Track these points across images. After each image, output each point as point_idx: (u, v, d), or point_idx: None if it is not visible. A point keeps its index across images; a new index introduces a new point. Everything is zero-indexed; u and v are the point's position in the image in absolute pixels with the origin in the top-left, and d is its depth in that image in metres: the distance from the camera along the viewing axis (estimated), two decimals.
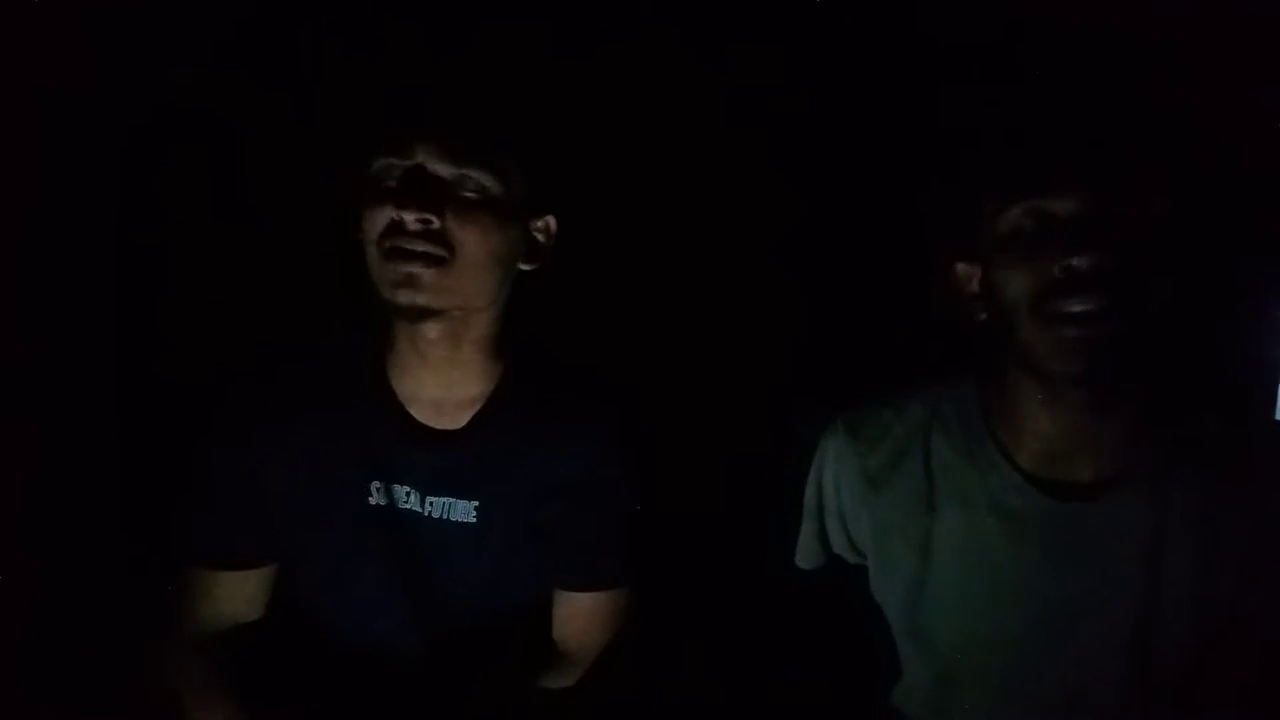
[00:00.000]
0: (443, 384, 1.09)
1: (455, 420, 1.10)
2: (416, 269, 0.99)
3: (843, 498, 1.10)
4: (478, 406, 1.10)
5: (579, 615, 1.12)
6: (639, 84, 1.36)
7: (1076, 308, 0.89)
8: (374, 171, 1.02)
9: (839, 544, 1.13)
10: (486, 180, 1.01)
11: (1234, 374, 1.15)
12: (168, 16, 1.26)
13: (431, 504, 1.09)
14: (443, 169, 1.00)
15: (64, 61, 1.25)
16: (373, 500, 1.09)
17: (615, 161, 1.36)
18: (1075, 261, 0.88)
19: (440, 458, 1.09)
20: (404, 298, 1.00)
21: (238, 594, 1.11)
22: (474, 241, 1.01)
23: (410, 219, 0.98)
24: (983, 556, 1.01)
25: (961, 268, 1.02)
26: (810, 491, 1.14)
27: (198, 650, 1.08)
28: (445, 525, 1.09)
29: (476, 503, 1.09)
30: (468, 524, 1.09)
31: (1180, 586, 0.96)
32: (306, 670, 1.11)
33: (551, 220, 1.11)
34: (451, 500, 1.09)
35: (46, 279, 1.28)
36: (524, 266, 1.10)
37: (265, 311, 1.34)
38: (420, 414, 1.10)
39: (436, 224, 0.99)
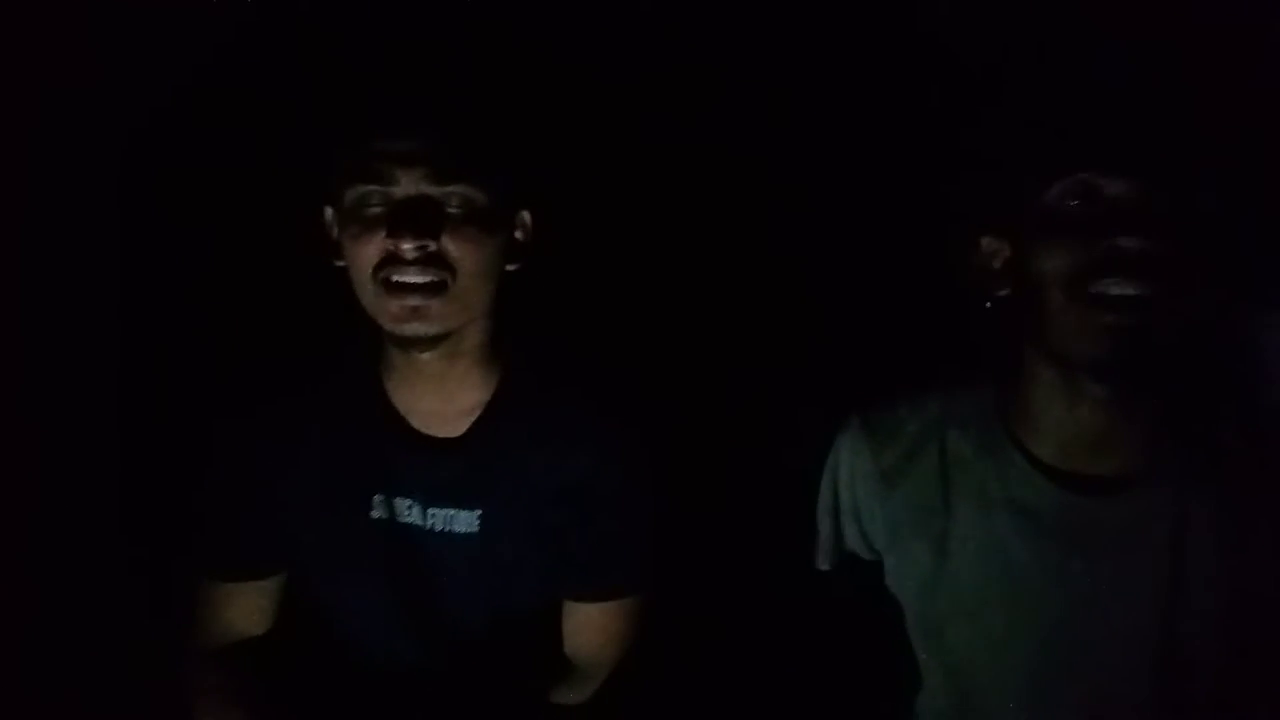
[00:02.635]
0: (440, 396, 1.08)
1: (454, 429, 1.09)
2: (420, 300, 0.98)
3: (857, 495, 1.08)
4: (476, 414, 1.09)
5: (590, 627, 1.09)
6: (630, 73, 1.34)
7: (1116, 290, 0.85)
8: (349, 202, 0.99)
9: (854, 542, 1.10)
10: (472, 192, 0.99)
11: (1256, 371, 1.14)
12: (166, 19, 1.27)
13: (433, 516, 1.08)
14: (428, 189, 0.98)
15: (62, 63, 1.25)
16: (375, 514, 1.08)
17: (612, 156, 1.34)
18: (1123, 242, 0.85)
19: (440, 467, 1.08)
20: (410, 330, 0.99)
21: (246, 605, 1.11)
22: (471, 258, 0.99)
23: (408, 248, 0.96)
24: (1000, 554, 0.99)
25: (987, 241, 0.98)
26: (825, 489, 1.11)
27: (208, 660, 1.09)
28: (448, 537, 1.08)
29: (479, 512, 1.07)
30: (470, 534, 1.07)
31: (1205, 585, 0.93)
32: (318, 680, 1.10)
33: (526, 215, 1.09)
34: (453, 511, 1.08)
35: (47, 283, 1.28)
36: (509, 268, 1.08)
37: (269, 313, 1.33)
38: (419, 424, 1.09)
39: (434, 248, 0.97)
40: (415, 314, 0.98)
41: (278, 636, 1.13)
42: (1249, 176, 1.00)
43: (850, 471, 1.08)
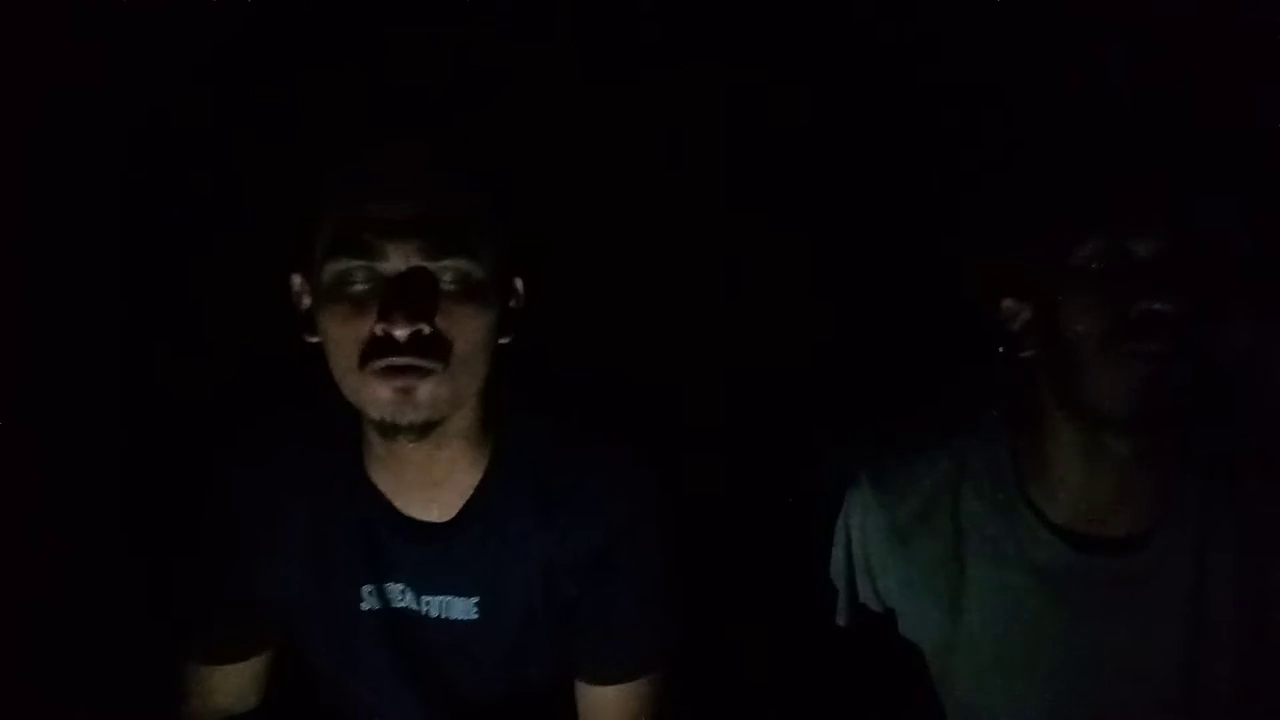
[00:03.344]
0: (425, 481, 0.99)
1: (445, 511, 1.00)
2: (410, 383, 0.88)
3: (869, 552, 1.06)
4: (467, 496, 1.00)
5: (607, 712, 1.02)
6: (631, 85, 1.32)
7: (1155, 348, 0.85)
8: (329, 277, 0.89)
9: (868, 598, 1.09)
10: (467, 266, 0.90)
11: (1264, 417, 1.12)
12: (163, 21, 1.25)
13: (428, 603, 1.01)
14: (420, 264, 0.88)
15: (60, 63, 1.24)
16: (365, 606, 1.02)
17: (614, 189, 1.31)
18: (1156, 305, 0.85)
19: (432, 554, 1.00)
20: (400, 418, 0.89)
21: (231, 685, 1.05)
22: (467, 341, 0.90)
23: (401, 334, 0.86)
24: (1014, 614, 0.98)
25: (1009, 304, 0.98)
26: (838, 547, 1.10)
27: None
28: (445, 624, 1.01)
29: (476, 599, 1.01)
30: (469, 621, 1.01)
31: (1227, 634, 0.92)
32: None
33: (519, 282, 1.00)
34: (449, 599, 1.01)
35: (46, 286, 1.26)
36: (501, 341, 0.98)
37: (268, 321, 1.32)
38: (406, 507, 1.01)
39: (428, 331, 0.88)
40: (403, 398, 0.88)
41: (284, 706, 1.09)
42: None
43: (862, 528, 1.07)
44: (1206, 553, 0.93)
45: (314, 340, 0.93)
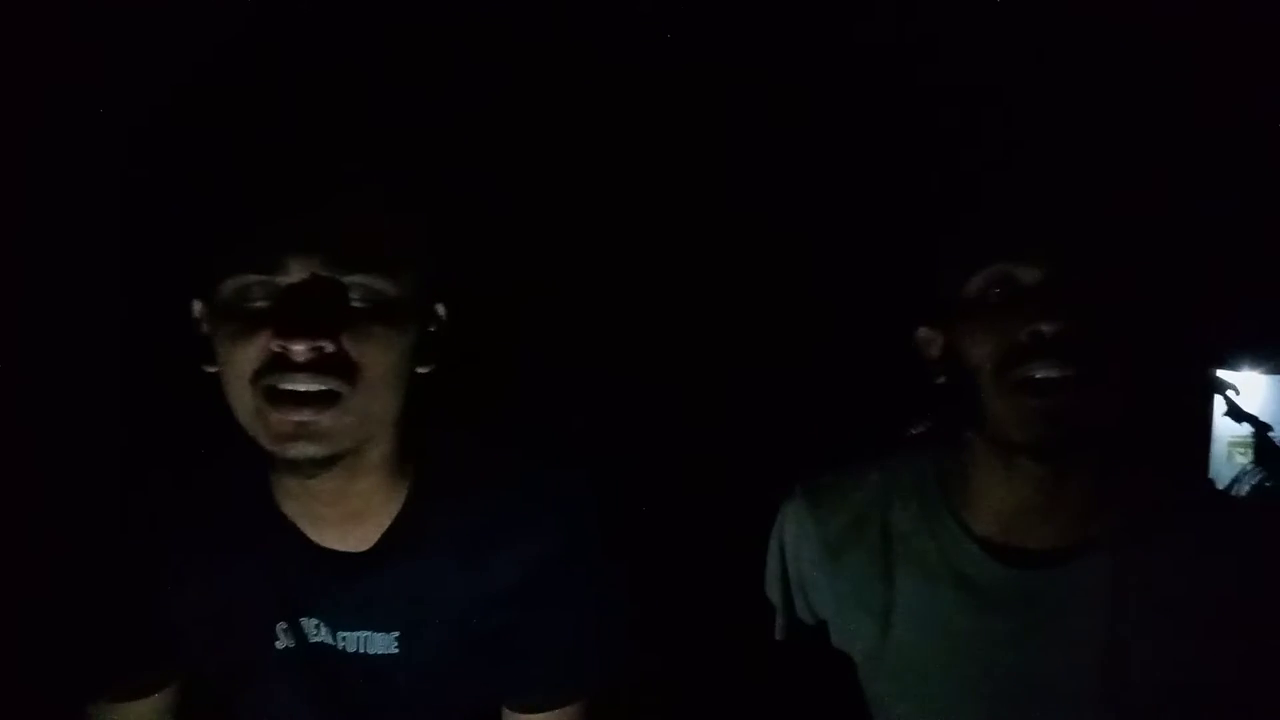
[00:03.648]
0: (339, 513, 0.93)
1: (362, 541, 0.94)
2: (309, 415, 0.80)
3: (802, 565, 1.07)
4: (386, 525, 0.94)
5: None
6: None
7: (1040, 374, 0.86)
8: (226, 293, 0.81)
9: (802, 611, 1.10)
10: (380, 283, 0.83)
11: (1174, 438, 1.12)
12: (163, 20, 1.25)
13: (345, 638, 0.95)
14: (327, 278, 0.81)
15: (60, 63, 1.24)
16: (280, 644, 0.95)
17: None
18: (1042, 327, 0.86)
19: (347, 587, 0.94)
20: (295, 451, 0.82)
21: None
22: (376, 361, 0.82)
23: (299, 349, 0.79)
24: (941, 627, 0.99)
25: (924, 332, 1.00)
26: (772, 559, 1.10)
27: None
28: (364, 659, 0.95)
29: (397, 633, 0.95)
30: (389, 655, 0.95)
31: (1148, 653, 0.93)
32: None
33: (441, 308, 0.93)
34: (367, 633, 0.95)
35: (46, 286, 1.27)
36: (420, 370, 0.91)
37: None
38: (320, 538, 0.94)
39: (331, 349, 0.80)
40: (301, 431, 0.81)
41: None
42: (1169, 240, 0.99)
43: (795, 542, 1.08)
44: (1128, 581, 0.94)
45: (211, 370, 0.85)
